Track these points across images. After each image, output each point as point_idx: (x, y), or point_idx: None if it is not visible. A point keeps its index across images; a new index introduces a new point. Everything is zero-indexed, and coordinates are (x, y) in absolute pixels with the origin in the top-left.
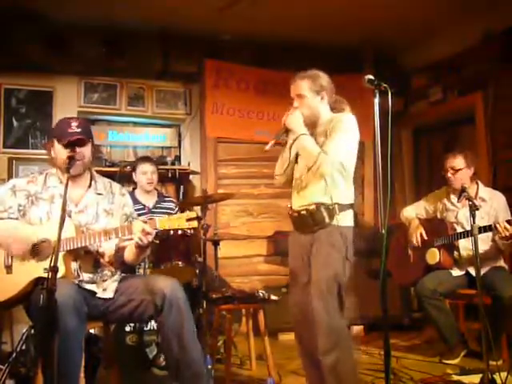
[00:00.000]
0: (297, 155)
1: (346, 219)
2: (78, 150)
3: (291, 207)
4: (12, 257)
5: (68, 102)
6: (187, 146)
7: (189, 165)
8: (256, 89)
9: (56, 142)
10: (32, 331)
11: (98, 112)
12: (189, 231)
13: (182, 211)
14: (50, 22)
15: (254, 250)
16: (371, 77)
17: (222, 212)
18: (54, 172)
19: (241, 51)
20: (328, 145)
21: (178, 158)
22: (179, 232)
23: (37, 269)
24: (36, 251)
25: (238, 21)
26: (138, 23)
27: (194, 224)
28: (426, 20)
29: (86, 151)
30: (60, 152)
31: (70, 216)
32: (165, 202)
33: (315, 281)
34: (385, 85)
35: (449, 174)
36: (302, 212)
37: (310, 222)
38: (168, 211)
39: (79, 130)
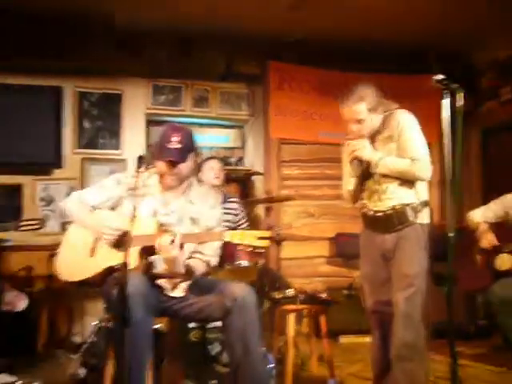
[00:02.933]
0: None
1: (425, 216)
2: (174, 169)
3: (370, 209)
4: (97, 242)
5: (136, 103)
6: (250, 147)
7: (252, 166)
8: (319, 90)
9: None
10: (102, 324)
11: (165, 113)
12: (259, 250)
13: (246, 212)
14: (119, 26)
15: (315, 252)
16: (441, 77)
17: (285, 213)
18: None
19: (304, 52)
20: (411, 149)
21: (241, 159)
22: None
23: (113, 257)
24: (117, 242)
25: (301, 22)
26: (202, 25)
27: (265, 243)
28: (494, 17)
29: (184, 167)
30: (158, 164)
31: (155, 215)
32: (229, 202)
33: (401, 276)
34: (455, 85)
35: None
36: (389, 212)
37: (395, 221)
38: (231, 211)
39: (179, 146)
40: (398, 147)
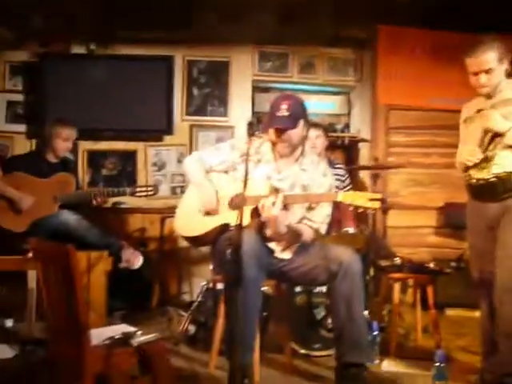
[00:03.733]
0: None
1: None
2: (283, 136)
3: (474, 177)
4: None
5: (243, 70)
6: (357, 114)
7: (358, 132)
8: (431, 53)
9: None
10: (210, 285)
11: (271, 80)
12: (369, 211)
13: (351, 178)
14: None
15: (422, 221)
16: None
17: (391, 180)
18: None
19: (415, 13)
20: None
21: (347, 126)
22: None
23: (227, 216)
24: (231, 202)
25: None
26: None
27: (376, 205)
28: None
29: (293, 134)
30: (269, 132)
31: (269, 180)
32: (334, 168)
33: (504, 247)
34: None
35: None
36: (492, 179)
37: (500, 189)
38: (339, 177)
39: (287, 113)
40: None
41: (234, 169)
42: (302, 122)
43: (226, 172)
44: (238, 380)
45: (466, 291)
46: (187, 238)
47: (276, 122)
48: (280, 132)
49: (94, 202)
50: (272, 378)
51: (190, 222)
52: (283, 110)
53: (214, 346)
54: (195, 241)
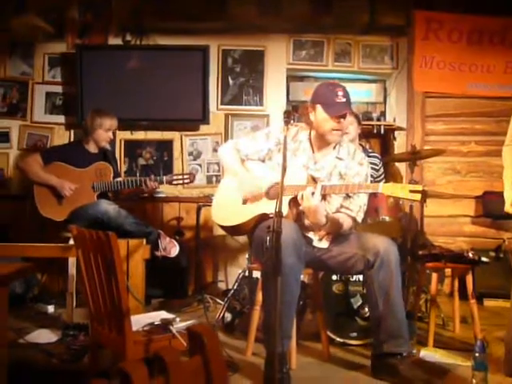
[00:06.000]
0: None
1: None
2: (342, 123)
3: None
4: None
5: (278, 59)
6: (393, 102)
7: (394, 120)
8: (469, 39)
9: (320, 108)
10: (246, 273)
11: (306, 69)
12: (411, 203)
13: (386, 166)
14: None
15: (460, 210)
16: None
17: (428, 169)
18: (307, 129)
19: None
20: None
21: (383, 114)
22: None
23: (265, 206)
24: (269, 191)
25: None
26: None
27: (417, 197)
28: None
29: (347, 121)
30: (324, 120)
31: (306, 169)
32: (369, 157)
33: None
34: None
35: None
36: None
37: None
38: (373, 166)
39: (345, 99)
40: None
41: (270, 158)
42: None
43: (262, 161)
44: (275, 367)
45: (505, 281)
46: (225, 227)
47: (340, 109)
48: (340, 119)
49: (145, 188)
50: (308, 365)
51: (227, 211)
52: (341, 97)
53: (250, 333)
54: (233, 230)
